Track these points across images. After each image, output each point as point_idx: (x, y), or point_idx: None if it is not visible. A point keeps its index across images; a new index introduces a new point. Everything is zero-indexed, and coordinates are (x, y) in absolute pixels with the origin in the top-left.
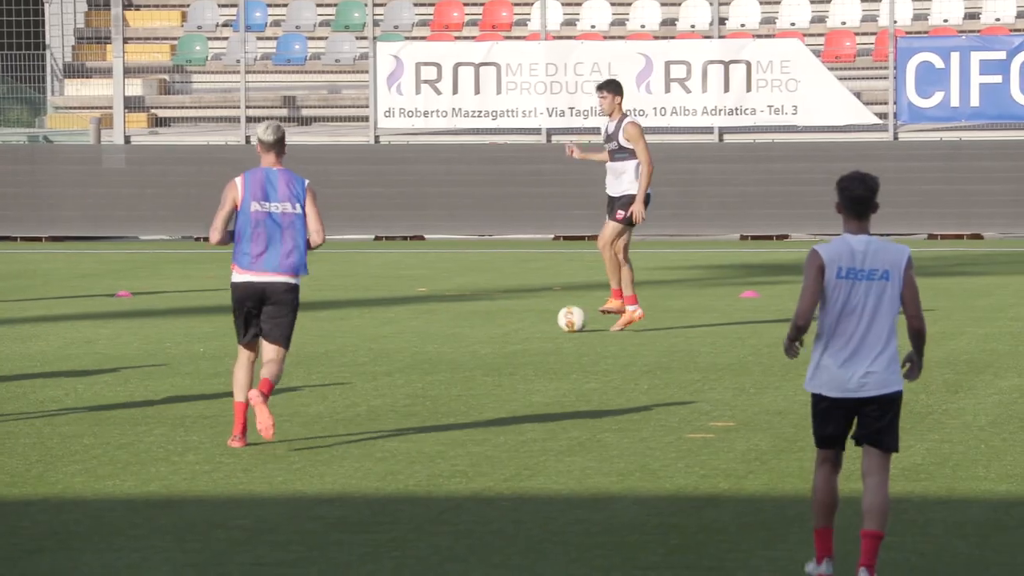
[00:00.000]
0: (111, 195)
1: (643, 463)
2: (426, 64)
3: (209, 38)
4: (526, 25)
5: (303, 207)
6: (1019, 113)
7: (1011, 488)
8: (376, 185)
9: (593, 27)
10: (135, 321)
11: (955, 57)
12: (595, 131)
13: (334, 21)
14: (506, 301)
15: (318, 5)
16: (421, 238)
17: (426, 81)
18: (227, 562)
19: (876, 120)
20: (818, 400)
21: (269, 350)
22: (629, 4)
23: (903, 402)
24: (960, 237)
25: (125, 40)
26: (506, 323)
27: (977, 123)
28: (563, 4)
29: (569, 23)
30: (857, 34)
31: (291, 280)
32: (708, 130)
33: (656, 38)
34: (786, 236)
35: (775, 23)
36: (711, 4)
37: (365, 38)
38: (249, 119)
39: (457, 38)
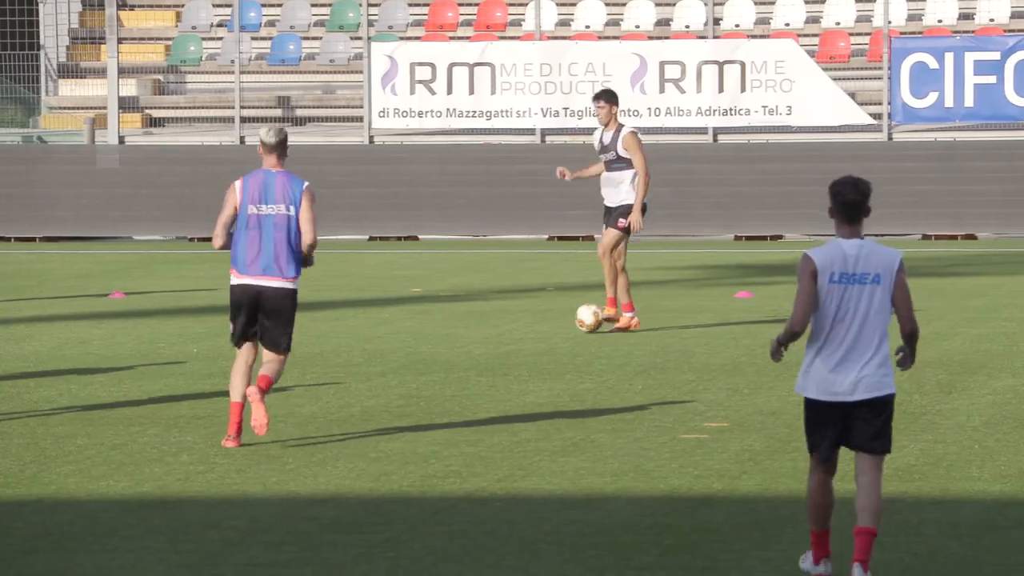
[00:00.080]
0: (105, 195)
1: (637, 463)
2: (420, 64)
3: (203, 38)
4: (520, 25)
5: (298, 210)
6: (1013, 114)
7: (1005, 488)
8: (370, 185)
9: (587, 27)
10: (129, 321)
11: (949, 57)
12: (589, 131)
13: (328, 21)
14: (500, 301)
15: (312, 5)
16: (415, 238)
17: (420, 81)
18: (221, 563)
19: (870, 120)
20: (810, 404)
21: (270, 354)
22: (623, 4)
23: (897, 403)
24: (954, 237)
25: (119, 40)
26: (500, 323)
27: (971, 123)
28: (557, 4)
29: (563, 23)
30: (851, 34)
31: (287, 285)
32: (703, 130)
33: (650, 38)
34: (780, 236)
35: (769, 23)
36: (705, 4)
37: (359, 38)
38: (244, 119)
39: (451, 38)
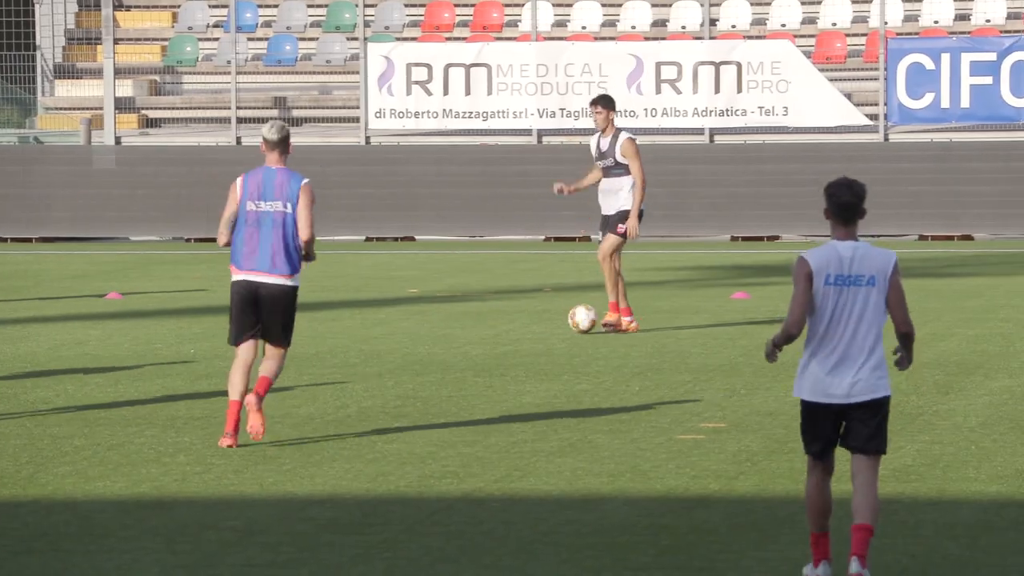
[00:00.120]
0: (101, 196)
1: (634, 464)
2: (417, 65)
3: (200, 39)
4: (517, 26)
5: (295, 207)
6: (1009, 114)
7: (1001, 489)
8: (367, 186)
9: (584, 28)
10: (125, 322)
11: (945, 58)
12: (585, 132)
13: (325, 22)
14: (497, 302)
15: (309, 6)
16: (412, 239)
17: (417, 82)
18: (218, 563)
19: (867, 121)
20: (806, 406)
21: (271, 348)
22: (620, 5)
23: (893, 404)
24: (950, 238)
25: (116, 41)
26: (497, 324)
27: (967, 124)
28: (554, 5)
29: (560, 24)
30: (848, 35)
31: (286, 282)
32: (699, 131)
33: (647, 39)
34: (777, 237)
35: (766, 24)
36: (702, 5)
37: (356, 39)
38: (240, 120)
39: (448, 39)
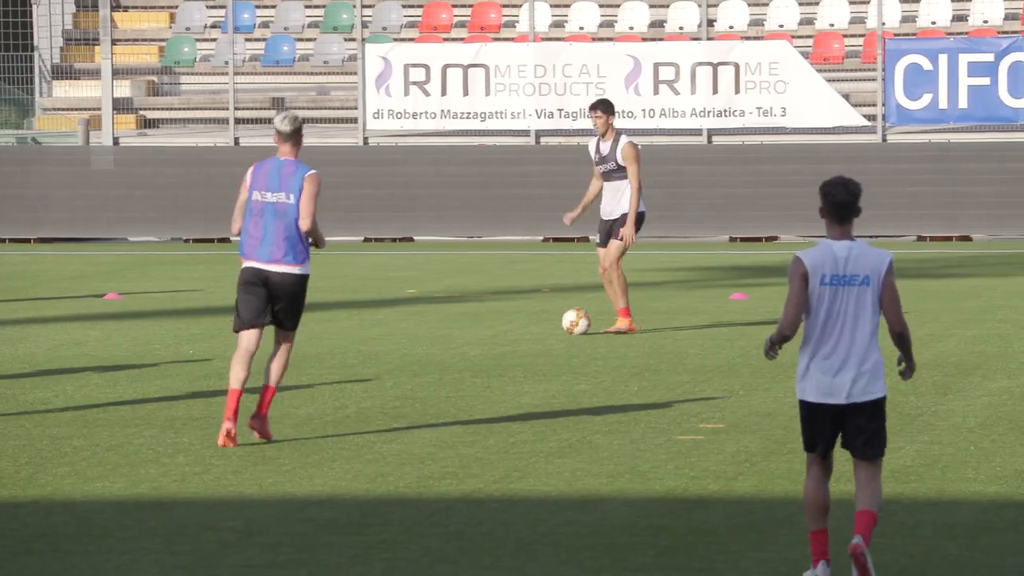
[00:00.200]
0: (100, 197)
1: (633, 465)
2: (414, 66)
3: (197, 39)
4: (514, 27)
5: (299, 197)
6: (1007, 115)
7: (1000, 490)
8: (365, 187)
9: (581, 29)
10: (124, 323)
11: (943, 59)
12: (583, 132)
13: (322, 23)
14: (495, 303)
15: (306, 7)
16: (410, 240)
17: (415, 83)
18: (217, 564)
19: (864, 122)
20: (804, 406)
21: (278, 340)
22: (617, 6)
23: (892, 404)
24: (948, 239)
25: (113, 42)
26: (495, 325)
27: (965, 125)
28: (551, 6)
29: (557, 25)
30: (845, 36)
31: (294, 270)
32: (696, 132)
33: (644, 40)
34: (775, 238)
35: (763, 25)
36: (699, 6)
37: (353, 40)
38: (238, 121)
39: (445, 40)
